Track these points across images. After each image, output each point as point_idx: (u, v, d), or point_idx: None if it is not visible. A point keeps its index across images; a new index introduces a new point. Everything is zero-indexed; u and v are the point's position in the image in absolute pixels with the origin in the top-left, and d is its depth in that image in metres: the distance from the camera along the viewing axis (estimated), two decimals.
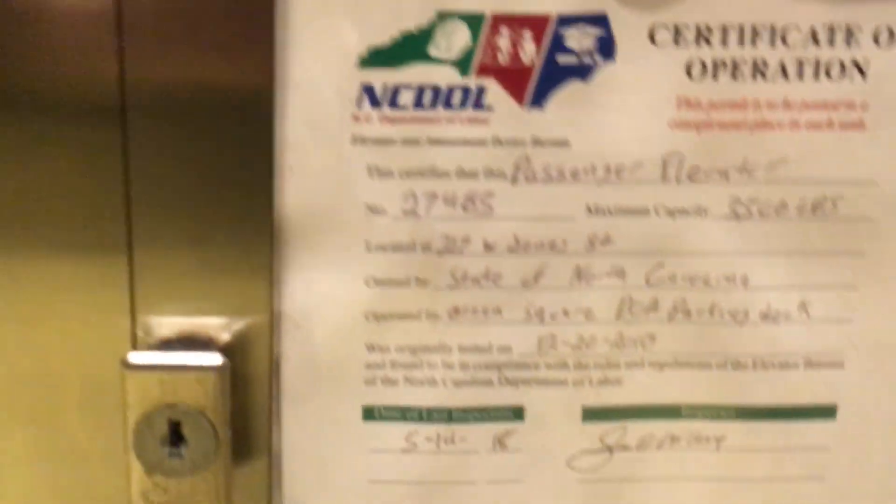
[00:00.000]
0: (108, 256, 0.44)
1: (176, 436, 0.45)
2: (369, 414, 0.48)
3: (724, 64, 0.42)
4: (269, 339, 0.46)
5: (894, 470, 0.50)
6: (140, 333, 0.45)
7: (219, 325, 0.45)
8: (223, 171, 0.43)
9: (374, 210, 0.44)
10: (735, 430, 0.49)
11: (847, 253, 0.46)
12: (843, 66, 0.42)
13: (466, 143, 0.43)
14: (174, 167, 0.43)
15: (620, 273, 0.46)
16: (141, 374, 0.43)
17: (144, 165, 0.43)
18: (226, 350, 0.45)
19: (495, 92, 0.42)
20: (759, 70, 0.42)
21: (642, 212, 0.44)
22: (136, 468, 0.45)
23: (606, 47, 0.42)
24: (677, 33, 0.42)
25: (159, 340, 0.45)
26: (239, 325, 0.45)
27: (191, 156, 0.43)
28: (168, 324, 0.45)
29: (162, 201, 0.44)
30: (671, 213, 0.44)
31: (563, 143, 0.43)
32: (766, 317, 0.47)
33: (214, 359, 0.44)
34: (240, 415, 0.47)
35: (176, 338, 0.45)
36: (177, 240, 0.44)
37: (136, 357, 0.44)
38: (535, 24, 0.41)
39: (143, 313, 0.45)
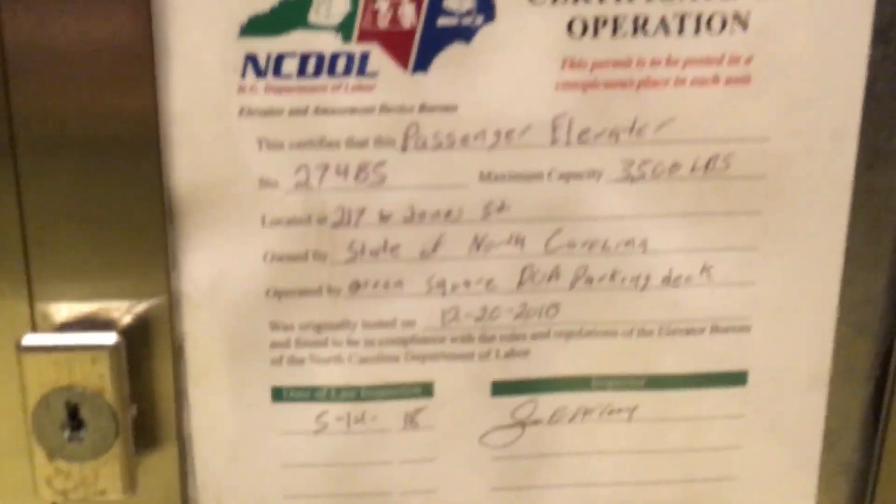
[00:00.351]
0: (2, 244, 0.44)
1: (75, 419, 0.44)
2: (278, 395, 0.47)
3: (605, 21, 0.42)
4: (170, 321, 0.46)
5: (810, 435, 0.50)
6: (39, 320, 0.45)
7: (118, 308, 0.45)
8: (111, 150, 0.43)
9: (266, 183, 0.44)
10: (646, 400, 0.49)
11: (744, 212, 0.46)
12: (724, 20, 0.42)
13: (354, 111, 0.43)
14: (63, 152, 0.43)
15: (519, 240, 0.46)
16: (35, 356, 0.43)
17: (35, 153, 0.43)
18: (127, 333, 0.45)
19: (379, 57, 0.42)
20: (640, 26, 0.42)
21: (536, 177, 0.45)
22: (38, 454, 0.45)
23: (486, 8, 0.42)
24: None
25: (58, 325, 0.45)
26: (139, 307, 0.45)
27: (78, 137, 0.43)
28: (67, 309, 0.45)
29: (53, 187, 0.43)
30: (565, 177, 0.45)
31: (450, 108, 0.43)
32: (668, 281, 0.47)
33: (108, 338, 0.43)
34: (146, 398, 0.47)
35: (75, 322, 0.45)
36: (70, 223, 0.44)
37: (30, 339, 0.43)
38: None
39: (41, 300, 0.45)
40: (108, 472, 0.45)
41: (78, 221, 0.44)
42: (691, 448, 0.50)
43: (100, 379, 0.43)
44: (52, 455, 0.44)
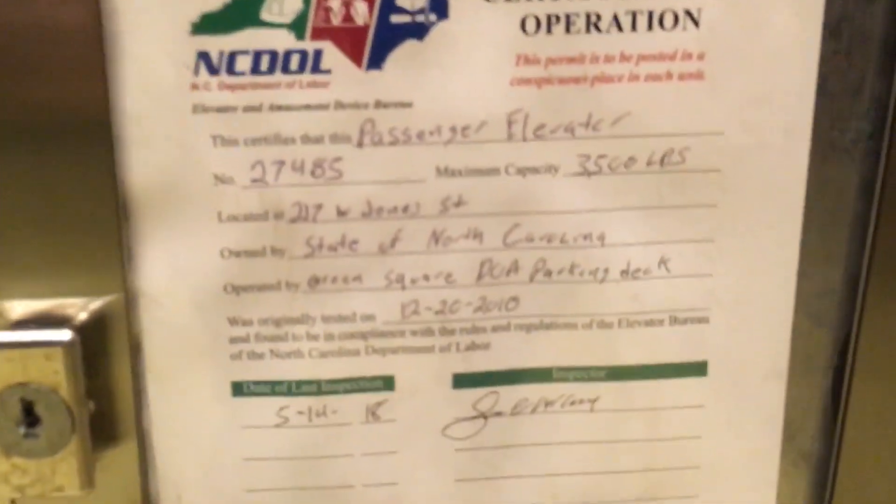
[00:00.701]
0: None
1: (30, 416, 0.44)
2: (238, 389, 0.48)
3: (558, 18, 0.42)
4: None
5: (769, 425, 0.50)
6: None
7: (74, 305, 0.45)
8: (63, 147, 0.42)
9: (222, 180, 0.44)
10: (608, 391, 0.49)
11: (700, 205, 0.46)
12: (675, 16, 0.43)
13: (308, 107, 0.43)
14: (14, 148, 0.43)
15: (477, 235, 0.46)
16: None
17: None
18: (83, 330, 0.45)
19: (332, 54, 0.42)
20: (592, 23, 0.42)
21: (492, 172, 0.45)
22: None
23: (439, 5, 0.42)
24: None
25: (13, 323, 0.45)
26: (95, 304, 0.45)
27: (30, 133, 0.43)
28: (22, 306, 0.45)
29: (4, 183, 0.43)
30: (521, 171, 0.45)
31: (405, 105, 0.43)
32: (626, 274, 0.47)
33: (63, 335, 0.43)
34: (104, 395, 0.47)
35: (30, 319, 0.45)
36: (23, 221, 0.44)
37: None
38: None
39: None
40: (65, 468, 0.45)
41: (31, 219, 0.44)
42: (653, 438, 0.50)
43: (54, 375, 0.43)
44: (8, 451, 0.44)
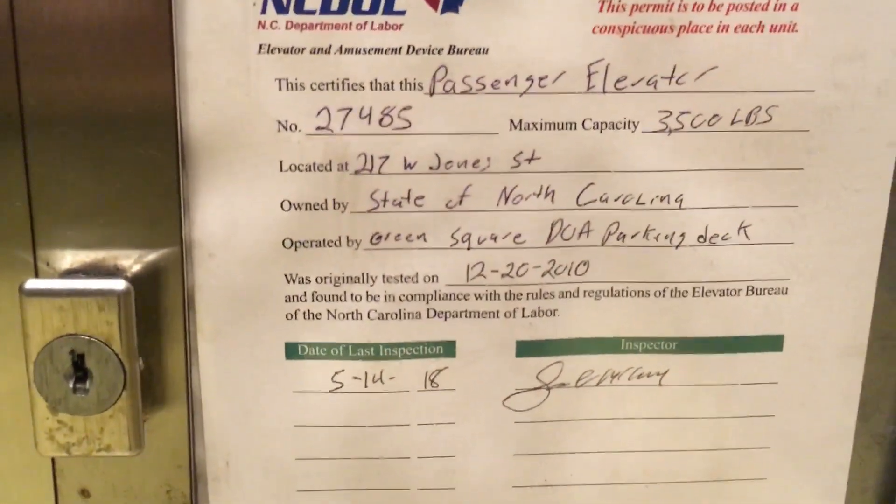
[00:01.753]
0: (3, 186, 0.41)
1: (80, 369, 0.42)
2: (292, 351, 0.45)
3: None
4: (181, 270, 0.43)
5: (845, 404, 0.48)
6: (42, 267, 0.43)
7: (127, 256, 0.43)
8: (122, 86, 0.40)
9: (285, 127, 0.42)
10: (678, 365, 0.47)
11: (785, 168, 0.43)
12: None
13: (379, 51, 0.41)
14: (71, 92, 0.41)
15: (549, 193, 0.43)
16: (39, 301, 0.41)
17: (40, 88, 0.40)
18: (136, 282, 0.43)
19: None
20: None
21: (569, 125, 0.42)
22: (40, 405, 0.42)
23: None
24: None
25: (62, 273, 0.43)
26: (149, 255, 0.43)
27: (86, 71, 0.40)
28: (72, 256, 0.43)
29: (59, 124, 0.41)
30: (599, 126, 0.42)
31: (481, 51, 0.41)
32: (703, 239, 0.44)
33: (117, 283, 0.41)
34: (154, 353, 0.44)
35: (80, 270, 0.43)
36: (76, 165, 0.41)
37: (34, 283, 0.41)
38: None
39: (43, 246, 0.42)
40: (114, 426, 0.43)
41: (84, 163, 0.41)
42: (722, 415, 0.48)
43: (107, 326, 0.41)
44: (55, 407, 0.42)
